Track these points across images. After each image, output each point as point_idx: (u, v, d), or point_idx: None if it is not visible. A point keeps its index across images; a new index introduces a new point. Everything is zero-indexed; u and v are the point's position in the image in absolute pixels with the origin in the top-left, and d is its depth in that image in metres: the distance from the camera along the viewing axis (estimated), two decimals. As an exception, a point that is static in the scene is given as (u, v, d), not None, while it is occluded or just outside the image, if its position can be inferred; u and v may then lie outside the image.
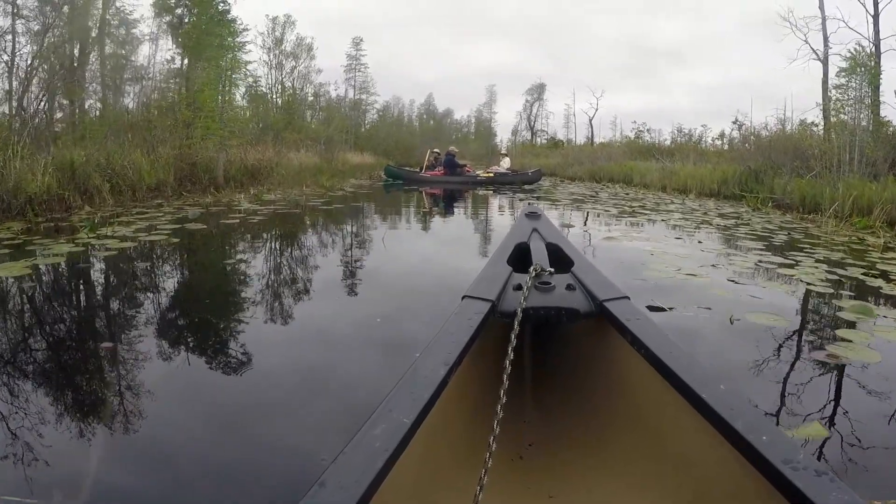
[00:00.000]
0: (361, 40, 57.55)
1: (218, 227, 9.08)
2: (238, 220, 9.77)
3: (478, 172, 25.62)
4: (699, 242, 8.78)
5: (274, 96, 40.33)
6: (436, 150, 27.21)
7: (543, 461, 1.99)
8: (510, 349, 1.72)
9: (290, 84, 41.55)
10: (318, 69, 46.11)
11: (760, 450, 1.28)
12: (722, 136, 38.99)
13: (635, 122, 54.09)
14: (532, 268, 2.20)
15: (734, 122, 36.02)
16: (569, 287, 2.14)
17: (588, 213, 13.09)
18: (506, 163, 27.11)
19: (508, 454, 1.96)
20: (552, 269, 2.25)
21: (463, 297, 2.08)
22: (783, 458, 1.24)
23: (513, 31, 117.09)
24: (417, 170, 26.05)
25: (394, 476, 1.26)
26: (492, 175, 24.70)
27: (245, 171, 17.46)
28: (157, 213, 10.12)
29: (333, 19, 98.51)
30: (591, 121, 59.00)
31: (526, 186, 23.70)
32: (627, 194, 20.02)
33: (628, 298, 2.08)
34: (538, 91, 69.00)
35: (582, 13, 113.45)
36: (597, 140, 53.03)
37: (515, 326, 1.82)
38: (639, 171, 27.20)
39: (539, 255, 2.51)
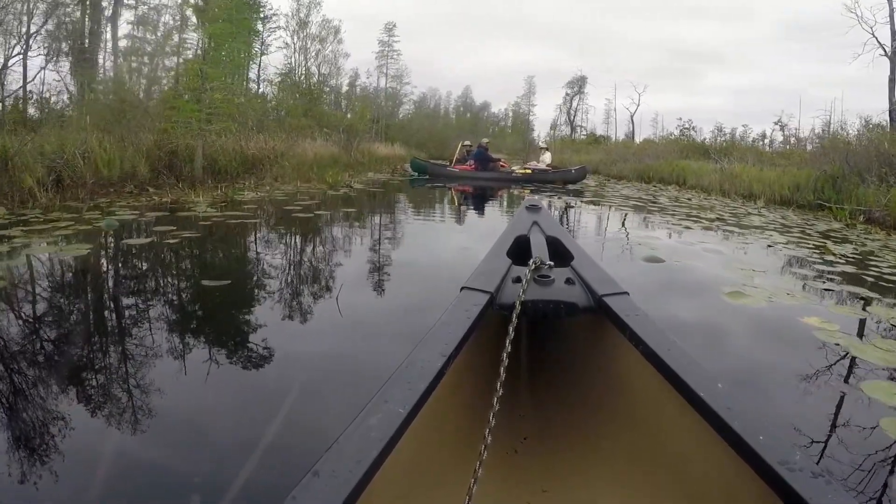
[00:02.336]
0: (394, 26, 55.76)
1: (87, 257, 5.72)
2: (149, 242, 6.63)
3: (513, 168, 22.84)
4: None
5: (298, 80, 37.77)
6: (467, 142, 24.23)
7: (538, 455, 1.99)
8: (508, 342, 1.72)
9: (315, 69, 38.95)
10: (346, 53, 43.70)
11: (757, 450, 1.27)
12: (763, 136, 37.80)
13: (680, 118, 50.67)
14: (532, 261, 2.18)
15: (775, 123, 36.49)
16: (568, 281, 2.14)
17: (668, 229, 10.12)
18: (546, 158, 23.91)
19: (504, 447, 1.97)
20: (552, 263, 2.22)
21: (461, 289, 2.06)
22: (779, 460, 1.23)
23: (550, 34, 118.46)
24: (446, 164, 23.72)
25: (388, 466, 1.26)
26: (529, 172, 21.91)
27: (244, 161, 15.09)
28: (73, 219, 7.54)
29: (369, 16, 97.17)
30: (632, 117, 55.80)
31: (569, 186, 21.05)
32: (690, 199, 17.47)
33: (628, 294, 2.04)
34: (579, 84, 66.03)
35: (616, 18, 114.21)
36: (637, 137, 50.70)
37: (514, 319, 1.82)
38: (692, 171, 24.68)
39: (539, 248, 2.47)
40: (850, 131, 20.30)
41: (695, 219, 11.72)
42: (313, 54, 38.72)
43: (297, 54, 38.43)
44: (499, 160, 22.73)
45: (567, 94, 66.95)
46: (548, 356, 2.28)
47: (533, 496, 1.81)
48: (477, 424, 1.64)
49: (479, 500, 1.33)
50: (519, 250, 2.54)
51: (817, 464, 1.47)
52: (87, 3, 24.59)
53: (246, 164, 14.98)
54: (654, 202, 15.90)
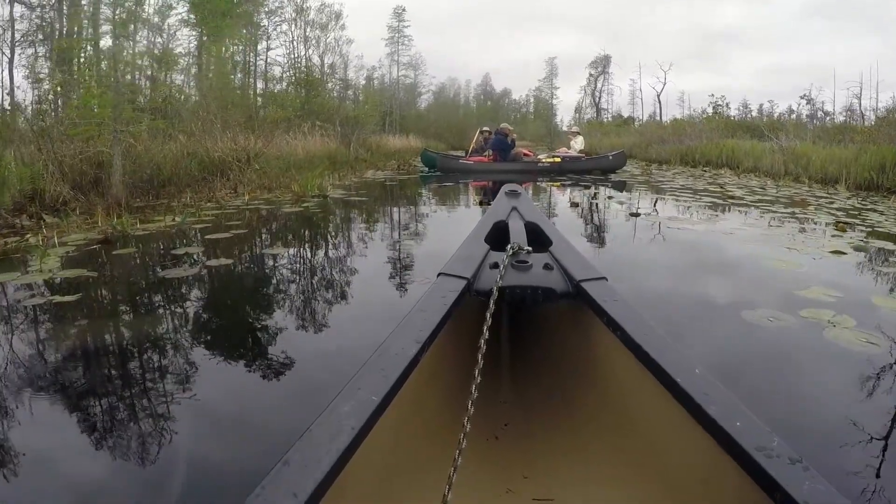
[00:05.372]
0: (403, 10, 52.84)
1: None
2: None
3: (539, 157, 19.25)
4: None
5: (297, 70, 34.80)
6: (486, 128, 20.30)
7: (518, 441, 1.99)
8: (485, 328, 1.71)
9: (318, 58, 35.85)
10: (349, 39, 40.64)
11: (734, 436, 1.26)
12: (790, 111, 36.46)
13: (712, 94, 47.91)
14: (509, 246, 2.20)
15: (802, 97, 36.25)
16: (546, 266, 2.14)
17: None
18: (577, 144, 20.30)
19: (484, 434, 1.97)
20: (530, 248, 2.24)
21: (438, 275, 2.07)
22: (756, 446, 1.22)
23: (571, 20, 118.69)
24: (462, 154, 20.36)
25: (361, 454, 1.25)
26: (558, 160, 18.43)
27: (210, 166, 12.05)
28: None
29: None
30: (658, 97, 52.18)
31: (611, 175, 17.95)
32: (764, 188, 14.47)
33: (606, 280, 2.05)
34: (603, 63, 63.46)
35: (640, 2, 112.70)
36: (664, 118, 47.88)
37: (491, 305, 1.80)
38: (745, 152, 21.72)
39: (517, 234, 2.50)
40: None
41: (807, 220, 8.93)
42: (314, 42, 35.58)
43: (295, 43, 35.31)
44: (521, 149, 19.17)
45: (591, 75, 64.40)
46: (527, 342, 2.27)
47: (513, 482, 1.80)
48: (457, 411, 1.66)
49: (459, 486, 1.33)
50: (498, 236, 2.55)
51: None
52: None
53: (211, 169, 11.92)
54: (729, 194, 12.83)
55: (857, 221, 8.96)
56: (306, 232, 7.98)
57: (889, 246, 6.97)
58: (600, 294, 1.93)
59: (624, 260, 6.10)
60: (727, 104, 42.52)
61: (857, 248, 6.60)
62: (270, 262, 5.90)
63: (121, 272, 5.46)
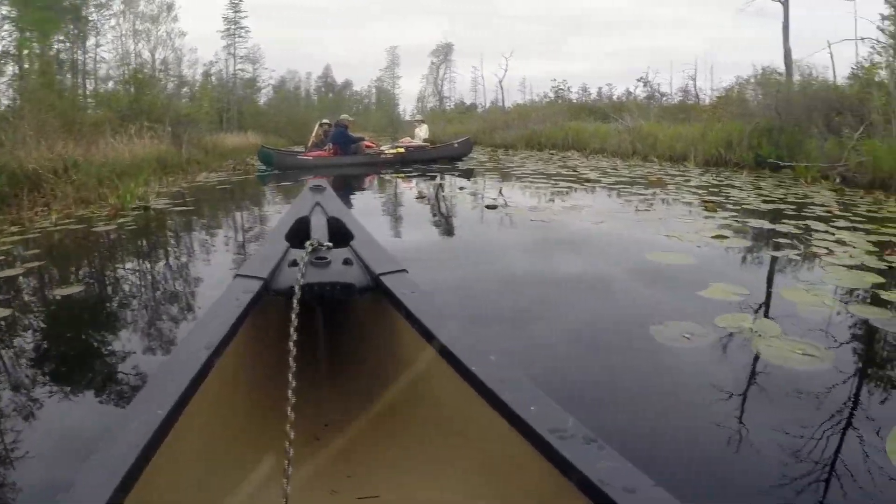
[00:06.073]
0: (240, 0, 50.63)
1: None
2: None
3: (383, 148, 18.39)
4: None
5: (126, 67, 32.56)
6: (325, 120, 19.19)
7: (341, 441, 1.95)
8: (292, 329, 1.66)
9: (147, 54, 33.73)
10: (181, 32, 38.41)
11: (528, 420, 1.27)
12: (628, 94, 36.22)
13: (554, 79, 49.01)
14: (308, 242, 2.09)
15: (639, 80, 35.66)
16: (346, 261, 2.12)
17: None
18: (422, 133, 19.92)
19: (305, 436, 1.84)
20: (330, 244, 2.16)
21: (235, 276, 2.00)
22: (550, 428, 1.23)
23: (412, 8, 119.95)
24: (301, 149, 19.33)
25: (152, 474, 1.18)
26: (402, 151, 17.84)
27: (22, 181, 10.33)
28: None
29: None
30: (500, 83, 52.01)
31: (458, 163, 17.56)
32: (616, 169, 14.57)
33: (406, 272, 2.03)
34: (445, 52, 63.42)
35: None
36: (507, 104, 47.74)
37: (295, 305, 1.75)
38: (591, 133, 22.32)
39: (318, 230, 2.45)
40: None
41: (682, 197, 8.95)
42: (144, 35, 33.47)
43: (123, 38, 33.08)
44: (363, 139, 18.09)
45: (433, 63, 64.21)
46: (340, 340, 2.23)
47: (338, 483, 1.77)
48: (273, 415, 1.62)
49: (281, 491, 1.34)
50: (299, 233, 2.47)
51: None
52: None
53: (23, 184, 10.35)
54: (584, 177, 12.78)
55: (721, 199, 8.92)
56: (114, 258, 6.43)
57: (765, 225, 6.81)
58: (398, 286, 1.92)
59: (485, 265, 5.36)
60: (569, 88, 42.88)
61: (737, 231, 6.37)
62: (56, 309, 4.47)
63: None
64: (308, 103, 68.68)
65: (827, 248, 5.48)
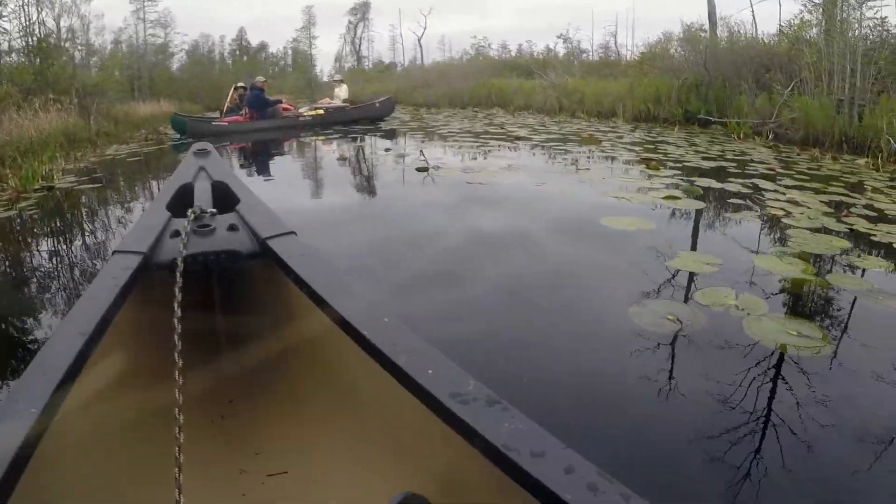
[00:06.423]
0: (147, -41, 48.58)
1: None
2: None
3: (301, 111, 17.67)
4: None
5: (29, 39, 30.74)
6: (240, 83, 18.54)
7: (246, 417, 1.89)
8: (175, 304, 1.55)
9: (52, 22, 31.97)
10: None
11: (425, 385, 1.21)
12: (548, 50, 36.30)
13: (475, 36, 48.75)
14: (191, 210, 1.98)
15: (559, 36, 36.13)
16: (231, 227, 1.99)
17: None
18: (342, 93, 19.14)
19: (209, 415, 1.84)
20: (214, 210, 2.05)
21: (113, 253, 1.85)
22: (450, 392, 1.17)
23: None
24: (216, 115, 18.34)
25: (33, 476, 1.10)
26: (322, 112, 17.03)
27: None
28: None
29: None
30: (419, 40, 52.08)
31: (380, 123, 17.04)
32: (545, 125, 14.28)
33: (294, 234, 1.95)
34: (362, 10, 62.37)
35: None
36: (426, 62, 47.61)
37: (178, 278, 1.65)
38: (514, 90, 21.98)
39: (203, 197, 2.28)
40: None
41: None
42: (47, 2, 31.65)
43: (26, 7, 31.17)
44: (280, 102, 17.27)
45: (350, 23, 63.25)
46: (234, 312, 2.07)
47: (245, 461, 1.71)
48: (164, 397, 1.47)
49: (187, 472, 1.24)
50: (182, 201, 2.29)
51: None
52: None
53: None
54: (516, 137, 12.21)
55: (660, 156, 8.74)
56: (8, 251, 5.39)
57: (713, 184, 6.63)
58: (286, 250, 1.84)
59: (428, 247, 4.69)
60: (489, 45, 42.98)
61: (687, 192, 6.11)
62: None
63: None
64: (223, 67, 65.64)
65: (783, 210, 5.31)
